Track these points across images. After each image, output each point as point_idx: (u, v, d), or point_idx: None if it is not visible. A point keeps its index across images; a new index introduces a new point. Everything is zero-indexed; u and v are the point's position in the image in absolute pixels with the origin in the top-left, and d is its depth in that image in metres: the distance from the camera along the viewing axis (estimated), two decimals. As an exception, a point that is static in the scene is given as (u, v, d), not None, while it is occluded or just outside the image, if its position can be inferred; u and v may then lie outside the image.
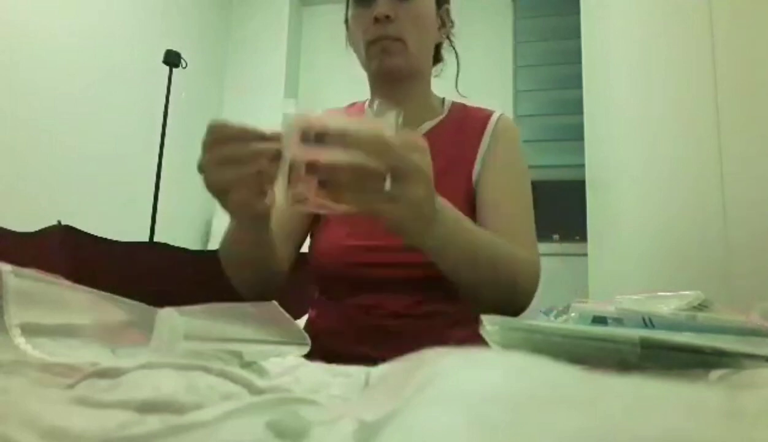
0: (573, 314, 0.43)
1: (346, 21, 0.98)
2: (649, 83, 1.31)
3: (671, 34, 1.17)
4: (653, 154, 1.27)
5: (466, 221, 0.68)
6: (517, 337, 0.37)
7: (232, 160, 0.56)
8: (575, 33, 2.13)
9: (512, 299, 0.74)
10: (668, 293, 0.44)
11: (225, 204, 0.60)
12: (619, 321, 0.38)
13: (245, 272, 0.80)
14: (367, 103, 1.01)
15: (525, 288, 0.76)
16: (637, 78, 1.40)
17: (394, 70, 0.90)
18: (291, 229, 0.92)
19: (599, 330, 0.33)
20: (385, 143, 0.50)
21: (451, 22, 0.99)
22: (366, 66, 0.93)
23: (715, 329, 0.35)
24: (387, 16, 0.86)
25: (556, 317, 0.45)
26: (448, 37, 1.00)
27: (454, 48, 1.02)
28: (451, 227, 0.63)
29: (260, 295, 0.82)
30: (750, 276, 0.81)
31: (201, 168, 0.58)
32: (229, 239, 0.75)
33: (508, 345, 0.38)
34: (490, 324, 0.39)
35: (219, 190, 0.59)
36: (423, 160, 0.54)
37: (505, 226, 0.82)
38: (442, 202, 0.61)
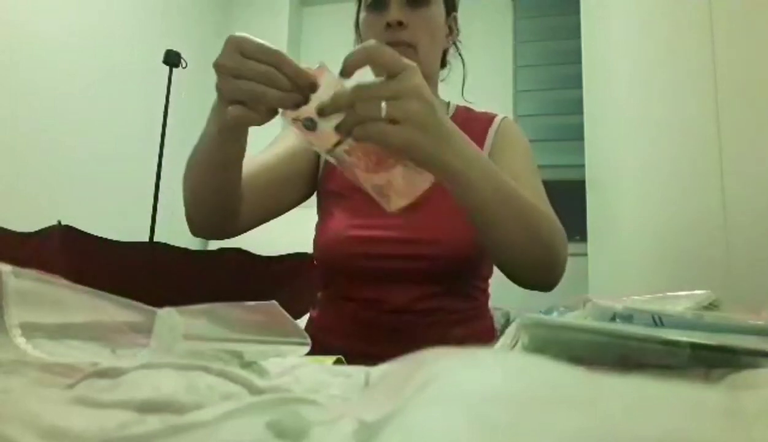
0: (591, 311, 0.41)
1: (357, 24, 0.99)
2: (649, 83, 1.31)
3: (671, 34, 1.17)
4: (653, 154, 1.27)
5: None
6: (548, 335, 0.34)
7: (257, 78, 0.57)
8: (575, 33, 2.13)
9: (544, 256, 0.69)
10: (679, 293, 0.44)
11: (222, 109, 0.62)
12: (628, 318, 0.38)
13: (204, 191, 0.76)
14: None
15: (555, 243, 0.70)
16: (637, 78, 1.40)
17: None
18: (275, 188, 0.89)
19: (647, 331, 0.33)
20: (382, 50, 0.55)
21: (458, 29, 1.01)
22: None
23: (736, 329, 0.35)
24: (399, 22, 0.86)
25: (561, 315, 0.44)
26: (455, 44, 1.02)
27: (461, 55, 1.04)
28: (473, 151, 0.61)
29: (209, 228, 0.81)
30: (750, 276, 0.81)
31: (218, 67, 0.60)
32: (201, 146, 0.72)
33: (538, 345, 0.35)
34: (528, 326, 0.36)
35: (230, 99, 0.60)
36: (415, 77, 0.55)
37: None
38: (459, 131, 0.60)
